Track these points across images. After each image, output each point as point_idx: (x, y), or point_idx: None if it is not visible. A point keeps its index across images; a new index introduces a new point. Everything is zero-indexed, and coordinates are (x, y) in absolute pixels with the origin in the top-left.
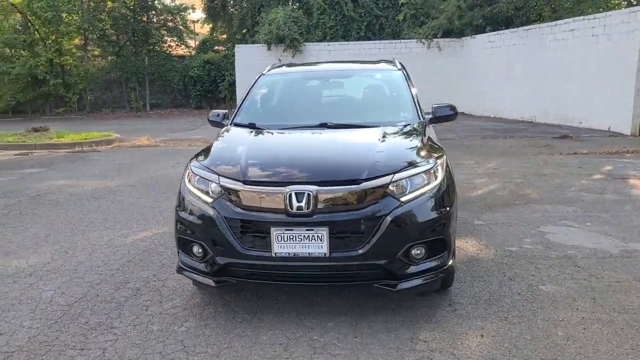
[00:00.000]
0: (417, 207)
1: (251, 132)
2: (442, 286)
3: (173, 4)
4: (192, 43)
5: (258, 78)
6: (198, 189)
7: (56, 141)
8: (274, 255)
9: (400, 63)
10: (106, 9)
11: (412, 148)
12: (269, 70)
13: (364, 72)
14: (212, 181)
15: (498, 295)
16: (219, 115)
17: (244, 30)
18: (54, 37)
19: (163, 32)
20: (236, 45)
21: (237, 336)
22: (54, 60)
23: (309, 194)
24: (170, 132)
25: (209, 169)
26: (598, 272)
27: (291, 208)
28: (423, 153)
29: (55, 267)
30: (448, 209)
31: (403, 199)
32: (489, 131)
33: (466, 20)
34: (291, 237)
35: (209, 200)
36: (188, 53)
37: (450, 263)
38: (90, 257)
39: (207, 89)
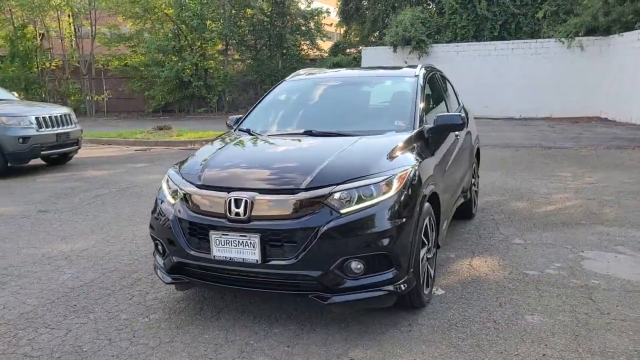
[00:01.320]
0: (357, 220)
1: (237, 138)
2: (410, 306)
3: (309, 9)
4: (324, 46)
5: (278, 84)
6: (168, 191)
7: (174, 139)
8: (213, 257)
9: (426, 69)
10: (245, 16)
11: (374, 159)
12: (292, 77)
13: (374, 80)
14: (178, 184)
15: (470, 321)
16: (233, 120)
17: (376, 33)
18: (199, 44)
19: (297, 36)
20: (362, 48)
21: (184, 332)
22: (199, 65)
23: (246, 201)
24: None
25: (179, 173)
26: (608, 307)
27: (230, 213)
28: (384, 164)
29: (89, 254)
30: (398, 223)
31: (343, 210)
32: (619, 140)
33: (614, 16)
34: (227, 241)
35: (172, 202)
36: (320, 56)
37: (403, 280)
38: (123, 247)
39: None
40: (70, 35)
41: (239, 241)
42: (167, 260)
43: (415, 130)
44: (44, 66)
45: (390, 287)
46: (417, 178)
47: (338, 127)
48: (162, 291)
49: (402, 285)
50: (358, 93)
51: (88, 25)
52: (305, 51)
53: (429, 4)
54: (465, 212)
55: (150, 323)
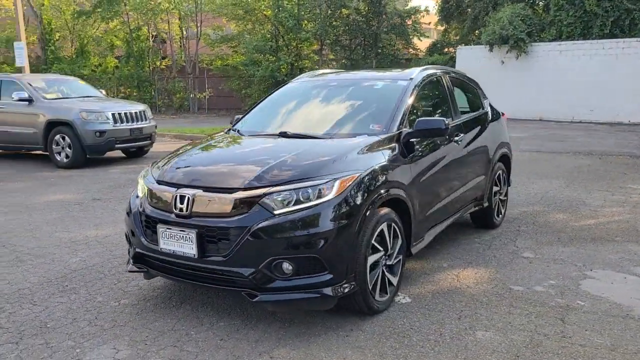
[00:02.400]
0: (289, 222)
1: (218, 137)
2: (359, 311)
3: (406, 7)
4: (421, 45)
5: (282, 85)
6: (140, 187)
7: None
8: (159, 249)
9: (426, 73)
10: (341, 16)
11: (323, 162)
12: (296, 79)
13: (367, 83)
14: (145, 180)
15: (415, 331)
16: (235, 119)
17: (477, 31)
18: (294, 44)
19: (392, 35)
20: (458, 47)
21: (140, 318)
22: (294, 64)
23: (188, 197)
24: None
25: (152, 169)
26: (574, 330)
27: (175, 208)
28: (333, 167)
29: (108, 240)
30: (333, 227)
31: (277, 212)
32: None
33: None
34: (171, 235)
35: (140, 196)
36: (415, 55)
37: (341, 285)
38: None
39: None
40: (178, 37)
41: (180, 235)
42: (131, 250)
43: (387, 135)
44: (154, 65)
45: (325, 291)
46: (365, 183)
47: (314, 129)
48: (145, 279)
49: (339, 290)
50: (347, 96)
51: (194, 27)
52: (401, 50)
53: (533, 0)
54: (484, 221)
55: (117, 307)
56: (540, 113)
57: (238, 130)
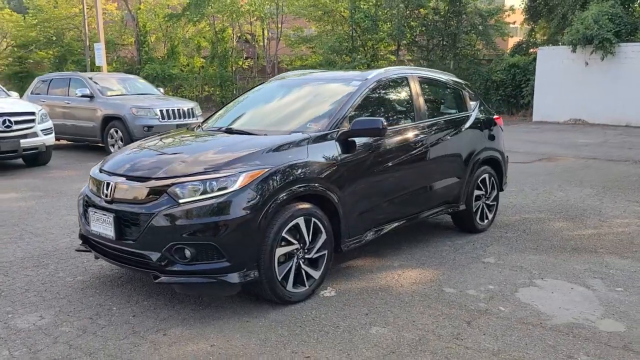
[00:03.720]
0: (190, 210)
1: (176, 131)
2: (269, 299)
3: (489, 6)
4: (504, 46)
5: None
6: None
7: None
8: (90, 230)
9: (385, 74)
10: (418, 16)
11: (237, 156)
12: (272, 79)
13: (325, 82)
14: (94, 169)
15: (312, 322)
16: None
17: (565, 31)
18: (370, 44)
19: (472, 35)
20: (539, 47)
21: (78, 293)
22: (370, 65)
23: (110, 184)
24: None
25: (104, 159)
26: (474, 334)
27: (102, 194)
28: (246, 162)
29: None
30: (232, 218)
31: (182, 201)
32: None
33: None
34: (97, 218)
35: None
36: (496, 56)
37: (241, 273)
38: None
39: (510, 94)
40: (260, 38)
41: (103, 219)
42: (79, 231)
43: (321, 133)
44: (237, 65)
45: (224, 277)
46: (275, 178)
47: (258, 126)
48: (95, 259)
49: (238, 277)
50: (302, 95)
51: (276, 28)
52: (481, 51)
53: None
54: (464, 225)
55: (69, 282)
56: (627, 119)
57: (199, 126)
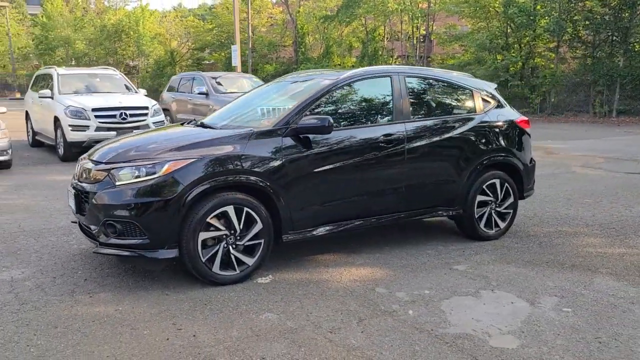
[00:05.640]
0: (120, 192)
1: (169, 125)
2: (198, 278)
3: None
4: None
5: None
6: None
7: None
8: (68, 204)
9: (359, 71)
10: (583, 9)
11: (171, 147)
12: (278, 79)
13: (305, 81)
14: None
15: (222, 303)
16: None
17: None
18: (526, 40)
19: None
20: None
21: (68, 262)
22: (525, 63)
23: (79, 166)
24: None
25: None
26: (350, 329)
27: (76, 175)
28: (179, 152)
29: None
30: (152, 201)
31: (117, 183)
32: None
33: None
34: (69, 194)
35: None
36: None
37: (161, 251)
38: None
39: None
40: (412, 36)
41: (71, 194)
42: None
43: (267, 129)
44: (389, 64)
45: (144, 253)
46: (200, 167)
47: (226, 122)
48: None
49: (158, 254)
50: (280, 94)
51: (432, 26)
52: None
53: None
54: (466, 231)
55: (74, 250)
56: None
57: (191, 121)
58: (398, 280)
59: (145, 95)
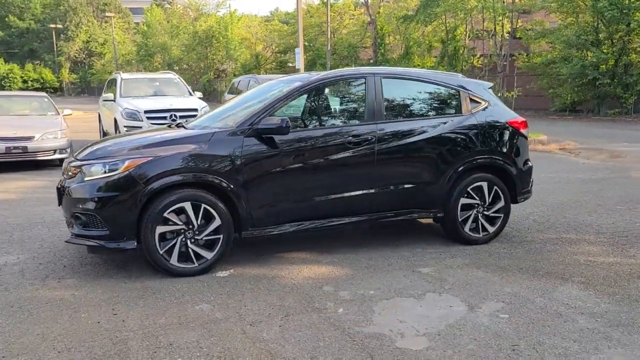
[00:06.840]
0: (84, 187)
1: (160, 127)
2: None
3: None
4: None
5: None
6: None
7: None
8: None
9: (331, 73)
10: None
11: (132, 148)
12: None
13: (283, 84)
14: None
15: (169, 292)
16: None
17: None
18: (618, 36)
19: None
20: None
21: (61, 250)
22: (619, 60)
23: (66, 164)
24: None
25: None
26: (268, 325)
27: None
28: (139, 151)
29: None
30: (109, 196)
31: (86, 178)
32: None
33: None
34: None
35: None
36: None
37: (120, 242)
38: None
39: None
40: (494, 34)
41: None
42: None
43: (229, 130)
44: (468, 64)
45: (104, 243)
46: (156, 165)
47: (202, 123)
48: None
49: (118, 245)
50: (261, 96)
51: (515, 23)
52: None
53: None
54: (449, 233)
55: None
56: None
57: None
58: (352, 280)
59: (199, 98)
